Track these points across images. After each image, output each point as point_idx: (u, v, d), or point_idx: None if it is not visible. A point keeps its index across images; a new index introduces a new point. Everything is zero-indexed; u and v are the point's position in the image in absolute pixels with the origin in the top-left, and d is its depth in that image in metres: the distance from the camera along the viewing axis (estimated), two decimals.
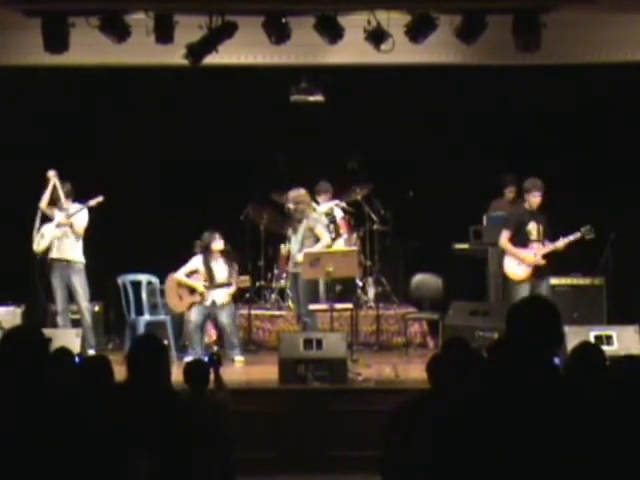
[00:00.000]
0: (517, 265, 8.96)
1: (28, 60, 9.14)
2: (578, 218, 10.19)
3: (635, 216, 10.14)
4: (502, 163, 10.42)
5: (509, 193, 10.31)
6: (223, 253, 9.59)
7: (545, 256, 8.87)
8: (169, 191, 10.98)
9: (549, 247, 8.87)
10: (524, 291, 8.80)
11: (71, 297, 9.37)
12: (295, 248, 9.35)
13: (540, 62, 9.16)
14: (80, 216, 9.34)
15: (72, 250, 9.32)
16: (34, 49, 8.72)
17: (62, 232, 9.33)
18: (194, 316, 9.34)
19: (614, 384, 3.76)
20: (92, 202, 9.33)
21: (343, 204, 10.78)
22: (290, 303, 10.42)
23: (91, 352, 8.95)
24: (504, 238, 9.03)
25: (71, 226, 9.31)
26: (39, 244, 9.34)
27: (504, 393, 3.25)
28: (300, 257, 9.13)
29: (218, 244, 9.53)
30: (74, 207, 9.37)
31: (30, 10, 8.52)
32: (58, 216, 9.37)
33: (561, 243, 8.84)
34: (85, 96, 10.60)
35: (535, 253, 8.90)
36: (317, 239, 9.27)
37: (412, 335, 10.31)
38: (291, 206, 9.39)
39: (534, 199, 8.90)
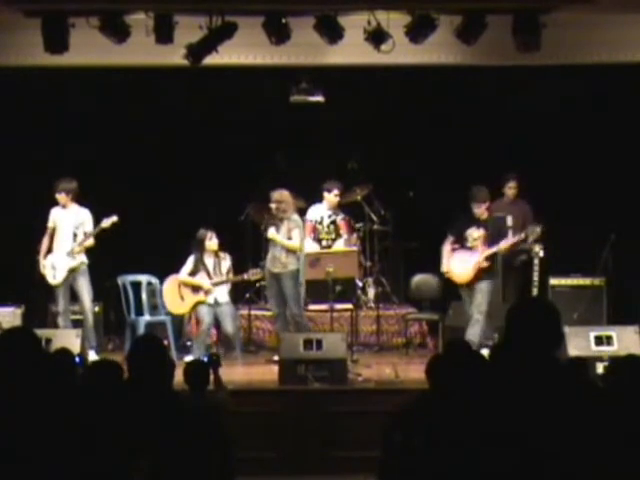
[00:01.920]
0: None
1: (28, 60, 9.14)
2: (578, 218, 10.22)
3: (635, 216, 10.14)
4: (502, 163, 10.40)
5: (508, 190, 10.28)
6: (216, 254, 9.56)
7: (488, 258, 8.80)
8: (169, 191, 10.96)
9: (491, 250, 8.81)
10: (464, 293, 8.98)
11: (73, 297, 9.34)
12: (276, 248, 9.32)
13: (540, 62, 9.16)
14: (88, 220, 9.28)
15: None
16: (34, 49, 8.71)
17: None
18: (207, 317, 9.31)
19: (614, 384, 3.76)
20: (106, 223, 9.11)
21: (344, 216, 10.71)
22: (269, 305, 9.74)
23: (91, 353, 8.95)
24: (447, 242, 9.08)
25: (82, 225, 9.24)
26: (54, 277, 9.15)
27: (504, 394, 3.25)
28: (283, 257, 9.12)
29: (212, 243, 9.49)
30: (82, 212, 9.28)
31: (30, 10, 8.52)
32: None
33: (504, 244, 8.83)
34: (85, 96, 10.59)
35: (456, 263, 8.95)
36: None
37: (412, 335, 10.31)
38: (273, 206, 9.32)
39: (475, 209, 8.94)
